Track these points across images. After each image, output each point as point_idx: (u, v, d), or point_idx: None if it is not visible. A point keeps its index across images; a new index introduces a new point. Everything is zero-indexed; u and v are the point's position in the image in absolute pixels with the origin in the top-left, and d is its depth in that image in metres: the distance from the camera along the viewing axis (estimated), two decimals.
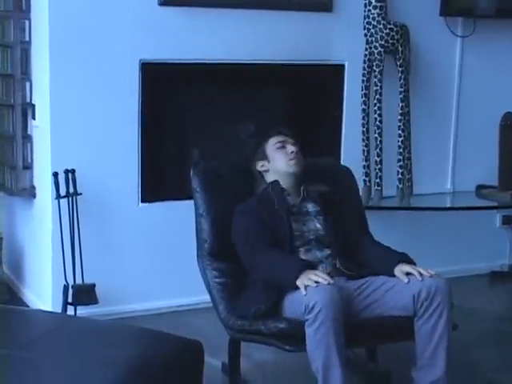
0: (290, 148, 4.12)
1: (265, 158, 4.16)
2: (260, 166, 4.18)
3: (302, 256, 3.93)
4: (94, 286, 4.79)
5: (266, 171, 4.16)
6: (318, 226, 4.05)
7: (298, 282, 3.57)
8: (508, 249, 6.14)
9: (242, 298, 3.90)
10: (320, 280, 3.54)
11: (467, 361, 4.45)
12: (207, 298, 4.04)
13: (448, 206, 5.24)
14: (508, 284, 5.97)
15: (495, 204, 5.69)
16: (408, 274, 3.73)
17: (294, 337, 3.57)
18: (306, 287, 3.53)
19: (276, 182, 4.09)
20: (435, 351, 3.64)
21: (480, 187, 5.69)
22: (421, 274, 3.69)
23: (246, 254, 3.95)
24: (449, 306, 3.65)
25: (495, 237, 6.07)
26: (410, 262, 3.87)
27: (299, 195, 4.12)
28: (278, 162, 4.12)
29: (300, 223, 4.04)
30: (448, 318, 3.64)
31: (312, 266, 3.77)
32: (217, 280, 4.01)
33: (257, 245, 3.92)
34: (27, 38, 4.98)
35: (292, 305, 3.64)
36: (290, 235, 3.94)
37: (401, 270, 3.77)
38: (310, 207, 4.10)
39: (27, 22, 4.96)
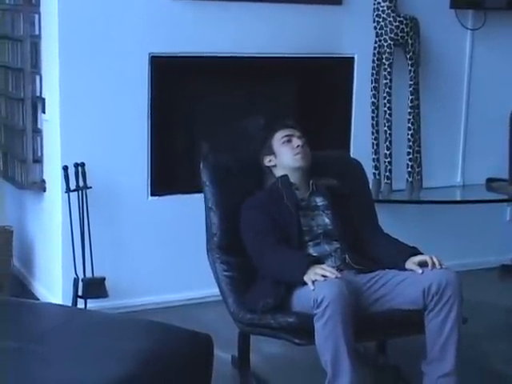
0: (296, 142, 4.11)
1: (272, 153, 4.16)
2: (267, 161, 4.18)
3: (311, 250, 3.93)
4: (103, 279, 4.80)
5: (274, 166, 4.16)
6: (327, 220, 4.04)
7: (306, 278, 3.58)
8: None
9: (250, 291, 3.90)
10: (327, 274, 3.55)
11: (477, 354, 4.46)
12: (217, 291, 4.05)
13: (458, 199, 5.24)
14: None
15: (505, 197, 5.69)
16: (421, 264, 3.72)
17: (303, 330, 3.58)
18: (313, 282, 3.54)
19: (285, 176, 4.08)
20: (445, 345, 3.63)
21: (490, 180, 5.69)
22: (433, 264, 3.69)
23: (254, 249, 3.95)
24: (459, 300, 3.63)
25: (505, 230, 6.06)
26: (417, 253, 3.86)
27: (308, 189, 4.11)
28: (285, 156, 4.12)
29: (308, 218, 4.03)
30: (458, 312, 3.62)
31: (319, 261, 3.76)
32: (226, 273, 4.01)
33: (265, 240, 3.91)
34: (37, 32, 4.98)
35: (300, 299, 3.65)
36: (298, 230, 3.93)
37: (413, 261, 3.76)
38: (319, 201, 4.09)
39: (37, 16, 4.96)
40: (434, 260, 3.72)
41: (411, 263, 3.76)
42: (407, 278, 3.71)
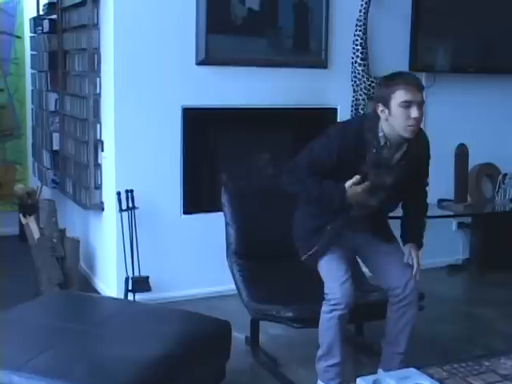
0: (414, 113, 3.18)
1: (387, 106, 3.23)
2: (380, 110, 3.28)
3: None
4: (148, 277, 4.81)
5: (384, 119, 3.28)
6: (391, 180, 3.36)
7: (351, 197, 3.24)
8: (461, 247, 6.13)
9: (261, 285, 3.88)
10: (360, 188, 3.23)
11: (430, 334, 4.46)
12: (234, 286, 4.05)
13: None
14: (462, 274, 5.98)
15: (452, 213, 5.70)
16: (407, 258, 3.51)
17: (298, 320, 3.61)
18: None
19: (385, 144, 3.31)
20: (400, 333, 3.56)
21: (440, 200, 5.70)
22: (412, 267, 3.49)
23: (299, 168, 3.40)
24: (416, 304, 3.54)
25: (452, 238, 6.08)
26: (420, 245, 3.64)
27: (396, 151, 3.35)
28: (397, 121, 3.22)
29: (380, 178, 3.34)
30: (413, 312, 3.54)
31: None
32: (240, 273, 4.00)
33: (313, 170, 3.34)
34: (98, 91, 5.02)
35: (326, 269, 3.47)
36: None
37: (410, 251, 3.54)
38: (401, 164, 3.37)
39: (98, 79, 5.00)
40: (415, 268, 3.50)
41: (408, 250, 3.55)
42: (389, 266, 3.53)
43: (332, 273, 3.44)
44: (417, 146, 3.42)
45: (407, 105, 3.19)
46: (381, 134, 3.33)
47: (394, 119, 3.24)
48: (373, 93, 5.25)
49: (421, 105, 3.22)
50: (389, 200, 3.48)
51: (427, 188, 3.80)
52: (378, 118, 3.32)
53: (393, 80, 3.29)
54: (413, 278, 3.51)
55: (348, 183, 3.27)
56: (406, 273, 3.52)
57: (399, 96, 3.20)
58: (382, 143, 3.33)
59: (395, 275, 3.53)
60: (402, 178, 3.39)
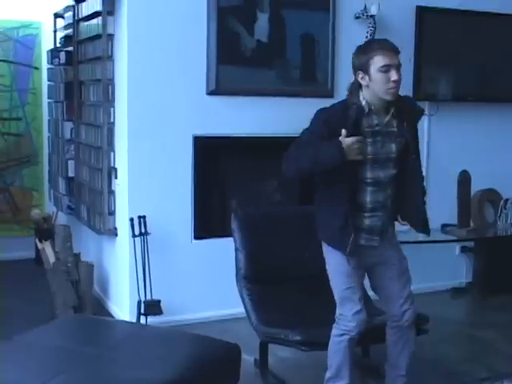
0: (394, 76, 3.16)
1: (367, 73, 3.22)
2: (360, 77, 3.26)
3: (368, 174, 3.30)
4: (159, 301, 4.78)
5: (365, 86, 3.26)
6: (394, 147, 3.32)
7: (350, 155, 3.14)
8: (465, 270, 6.07)
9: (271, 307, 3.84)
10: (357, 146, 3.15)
11: (434, 355, 4.42)
12: (243, 309, 4.03)
13: (421, 240, 5.20)
14: (465, 297, 5.91)
15: (455, 238, 5.67)
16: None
17: (306, 343, 3.59)
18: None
19: (362, 107, 3.25)
20: (399, 356, 3.54)
21: (444, 225, 5.67)
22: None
23: (297, 145, 3.39)
24: (413, 329, 3.51)
25: (455, 262, 6.02)
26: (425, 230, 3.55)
27: (386, 115, 3.29)
28: (378, 85, 3.19)
29: (378, 144, 3.28)
30: (411, 337, 3.51)
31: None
32: (249, 297, 3.99)
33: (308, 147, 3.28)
34: (112, 120, 5.02)
35: (342, 288, 3.38)
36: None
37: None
38: (394, 127, 3.31)
39: (112, 109, 5.01)
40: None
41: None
42: (391, 293, 3.47)
43: (347, 297, 3.38)
44: (404, 109, 3.34)
45: (386, 69, 3.17)
46: (364, 102, 3.28)
47: (374, 84, 3.22)
48: None
49: (399, 68, 3.21)
50: (394, 179, 3.36)
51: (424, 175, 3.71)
52: (359, 87, 3.29)
53: (370, 47, 3.30)
54: (412, 307, 3.47)
55: (341, 137, 3.17)
56: (406, 302, 3.48)
57: (378, 61, 3.19)
58: (367, 110, 3.28)
59: (395, 303, 3.49)
60: (402, 147, 3.32)
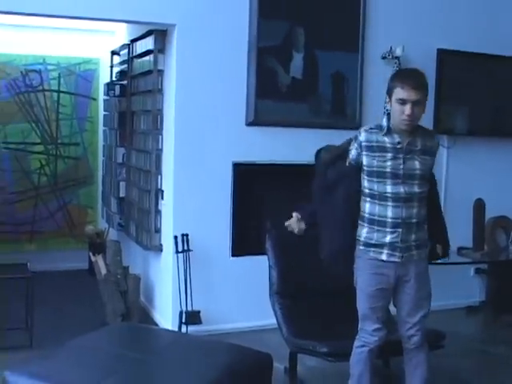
0: (407, 110, 3.10)
1: (390, 99, 3.19)
2: (387, 101, 3.23)
3: (389, 188, 3.19)
4: (199, 312, 4.77)
5: (389, 108, 3.24)
6: (417, 164, 3.20)
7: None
8: (478, 290, 5.97)
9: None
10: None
11: (452, 370, 4.35)
12: (275, 321, 4.00)
13: (439, 262, 5.15)
14: (479, 315, 5.81)
15: (470, 260, 5.59)
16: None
17: (332, 355, 3.56)
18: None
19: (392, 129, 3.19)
20: (412, 378, 3.40)
21: (460, 248, 5.60)
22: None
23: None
24: (423, 352, 3.36)
25: (470, 282, 5.94)
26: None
27: (408, 136, 3.19)
28: (394, 114, 3.16)
29: (399, 161, 3.18)
30: (423, 359, 3.36)
31: None
32: (281, 311, 3.96)
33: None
34: (160, 147, 5.05)
35: (365, 306, 3.31)
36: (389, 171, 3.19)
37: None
38: (417, 146, 3.21)
39: (160, 137, 5.04)
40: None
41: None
42: (406, 313, 3.33)
43: (368, 315, 3.31)
44: (424, 137, 3.25)
45: (402, 102, 3.12)
46: (390, 122, 3.23)
47: (392, 112, 3.19)
48: None
49: (416, 103, 3.12)
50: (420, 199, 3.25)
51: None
52: (387, 110, 3.31)
53: (396, 77, 3.27)
54: (419, 333, 3.34)
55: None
56: (413, 328, 3.34)
57: (397, 93, 3.14)
58: (391, 128, 3.22)
59: (403, 326, 3.37)
60: (422, 168, 3.22)
